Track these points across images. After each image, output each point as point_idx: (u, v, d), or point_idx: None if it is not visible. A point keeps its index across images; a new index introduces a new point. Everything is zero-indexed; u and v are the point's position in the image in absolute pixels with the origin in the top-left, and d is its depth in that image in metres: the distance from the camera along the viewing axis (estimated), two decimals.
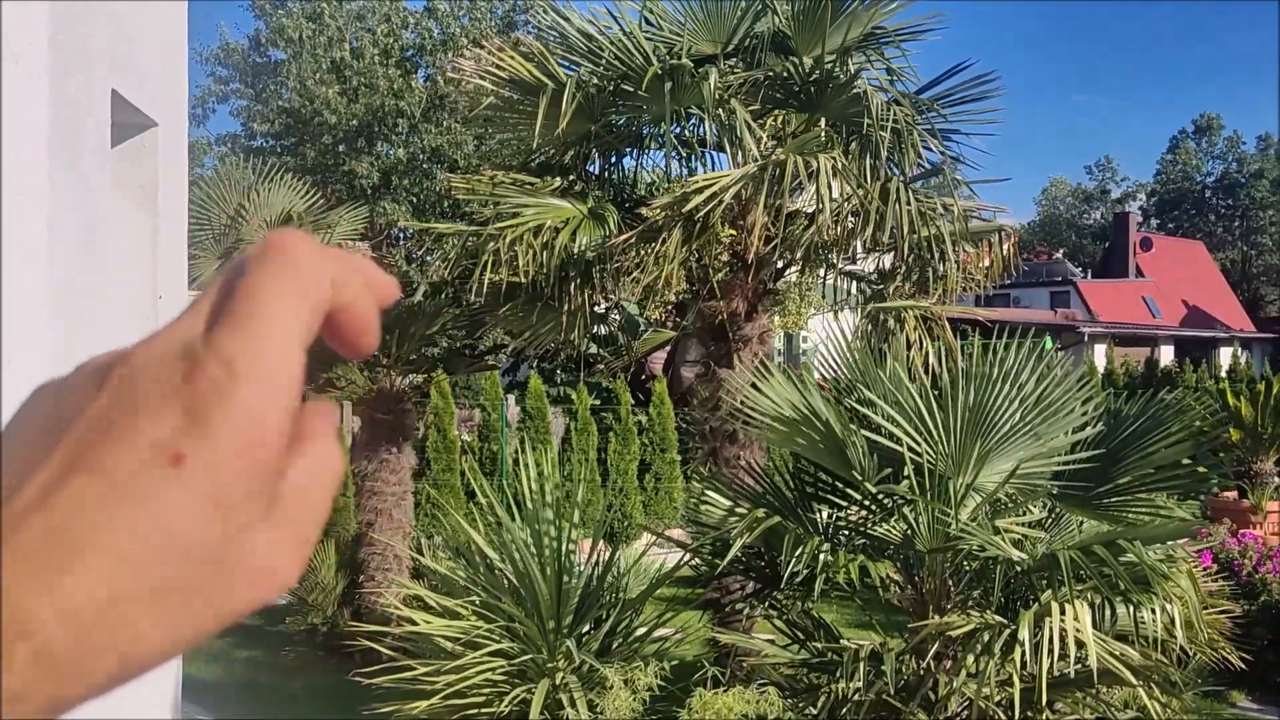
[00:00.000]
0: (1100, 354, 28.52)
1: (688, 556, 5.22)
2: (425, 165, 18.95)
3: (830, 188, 5.20)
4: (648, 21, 5.87)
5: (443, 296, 9.33)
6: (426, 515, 10.15)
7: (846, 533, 4.68)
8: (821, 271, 6.55)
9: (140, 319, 3.53)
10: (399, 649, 4.80)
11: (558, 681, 4.55)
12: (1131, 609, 4.24)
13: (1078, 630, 3.81)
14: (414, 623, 4.75)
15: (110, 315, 3.16)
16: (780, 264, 6.39)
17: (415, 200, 18.94)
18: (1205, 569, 5.88)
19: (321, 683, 7.06)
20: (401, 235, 19.52)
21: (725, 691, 4.56)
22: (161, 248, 3.69)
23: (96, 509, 0.29)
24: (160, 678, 3.68)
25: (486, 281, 5.56)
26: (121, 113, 3.30)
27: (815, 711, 4.29)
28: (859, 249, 6.34)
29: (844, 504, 4.74)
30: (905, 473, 4.31)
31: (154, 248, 3.65)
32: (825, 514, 4.82)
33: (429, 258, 15.75)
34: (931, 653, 4.22)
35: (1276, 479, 8.91)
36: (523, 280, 5.65)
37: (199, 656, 7.44)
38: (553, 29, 5.96)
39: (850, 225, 5.64)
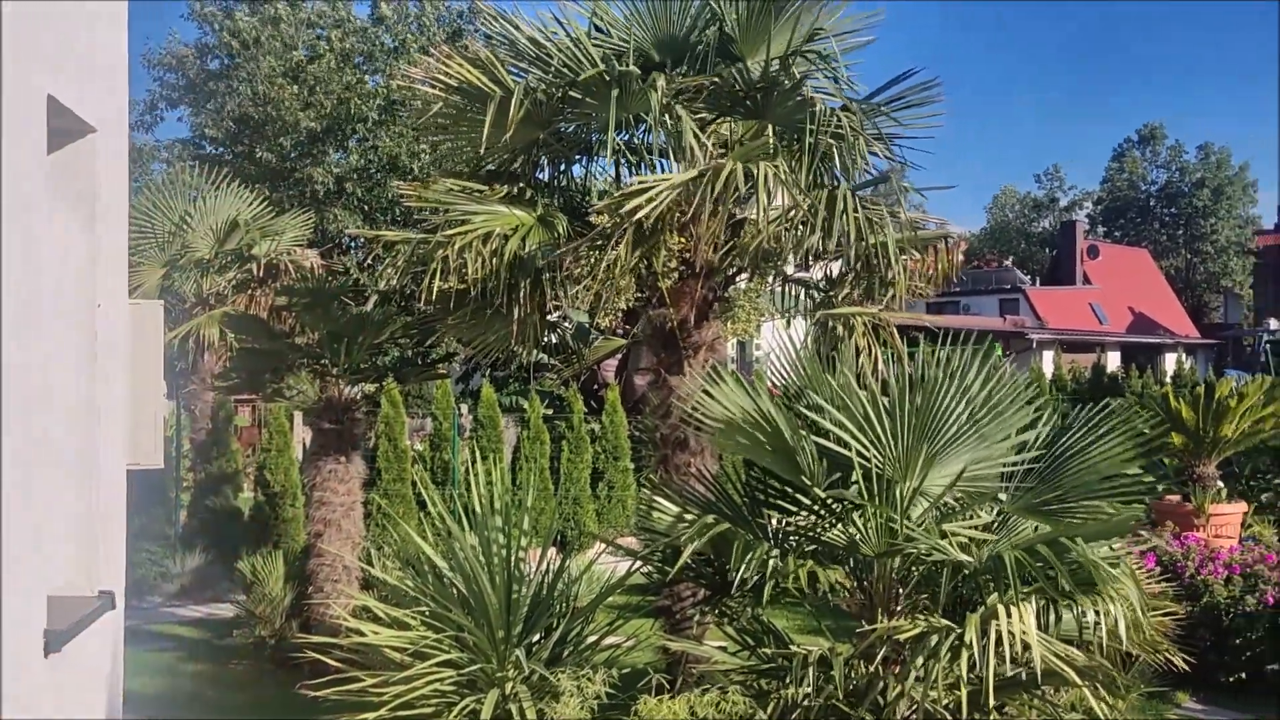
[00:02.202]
0: (1048, 360, 28.96)
1: (637, 564, 5.21)
2: (378, 173, 18.80)
3: (775, 195, 5.22)
4: (596, 28, 5.87)
5: (393, 305, 9.25)
6: (377, 525, 10.04)
7: (796, 538, 4.70)
8: (771, 279, 6.58)
9: (79, 328, 3.46)
10: (348, 660, 4.74)
11: (507, 691, 4.52)
12: (1077, 611, 4.31)
13: (1023, 632, 3.86)
14: (362, 634, 4.70)
15: (48, 324, 3.09)
16: (730, 271, 6.42)
17: (367, 208, 18.78)
18: (1149, 571, 5.98)
19: (269, 696, 6.95)
20: (352, 243, 19.34)
21: (672, 698, 4.55)
22: (101, 255, 3.62)
23: None
24: (102, 692, 3.60)
25: (436, 289, 5.52)
26: (59, 118, 3.24)
27: (765, 717, 4.30)
28: (809, 256, 6.38)
29: (794, 509, 4.76)
30: (854, 477, 4.34)
31: (93, 256, 3.58)
32: (775, 520, 4.84)
33: (379, 265, 15.64)
34: (880, 657, 4.24)
35: (1219, 482, 9.08)
36: (472, 288, 5.62)
37: (143, 670, 7.30)
38: (501, 36, 5.94)
39: (799, 233, 5.67)
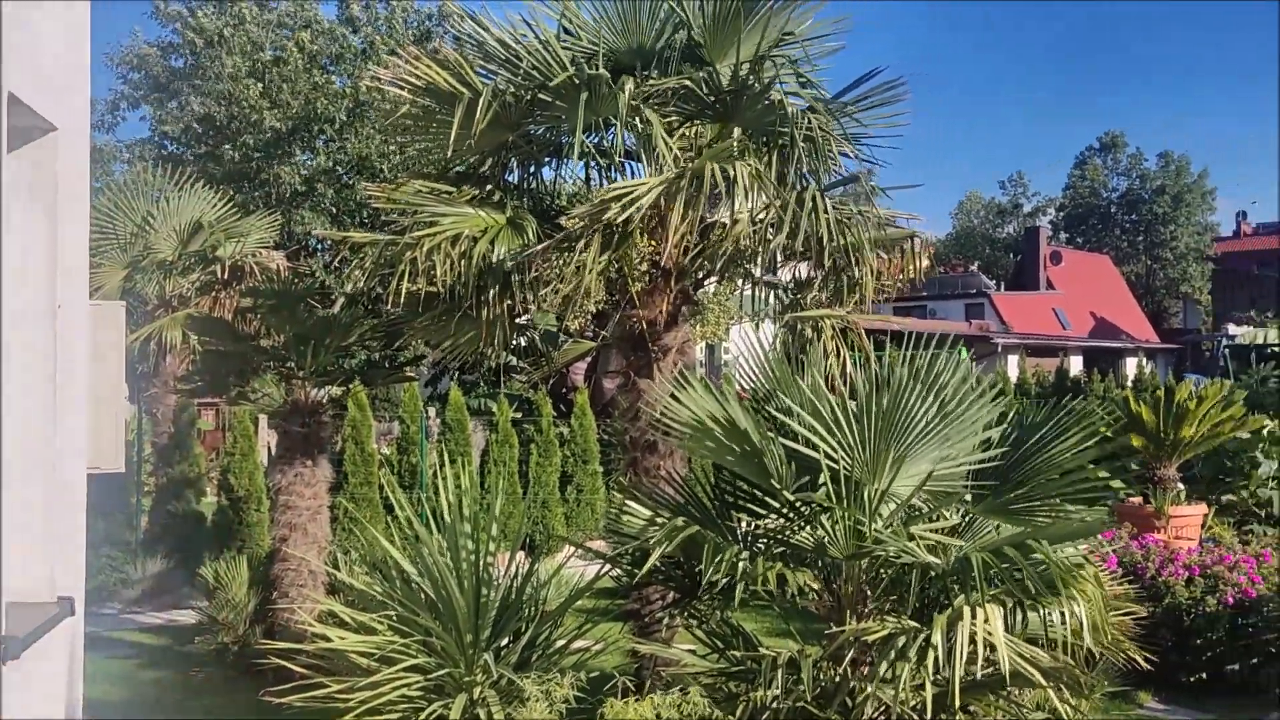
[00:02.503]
0: (1013, 364, 29.26)
1: (607, 567, 5.21)
2: (347, 174, 18.66)
3: (748, 197, 5.23)
4: (565, 31, 5.86)
5: (360, 307, 9.19)
6: (344, 530, 9.96)
7: (765, 541, 4.71)
8: (740, 281, 6.60)
9: (39, 330, 3.40)
10: (313, 667, 4.69)
11: (475, 696, 4.49)
12: (1042, 612, 4.35)
13: (989, 633, 3.89)
14: (328, 639, 4.65)
15: (6, 325, 3.03)
16: (700, 274, 6.43)
17: (335, 210, 18.63)
18: (1110, 572, 6.05)
19: (232, 703, 6.87)
20: (319, 245, 19.19)
21: (639, 700, 4.54)
22: (62, 256, 3.56)
23: None
24: (61, 700, 3.54)
25: (404, 291, 5.49)
26: (18, 116, 3.18)
27: (734, 719, 4.30)
28: (777, 259, 6.40)
29: (763, 512, 4.78)
30: (822, 480, 4.35)
31: (53, 256, 3.52)
32: (745, 523, 4.84)
33: (346, 268, 15.51)
34: (848, 659, 4.26)
35: (1179, 484, 9.20)
36: (440, 290, 5.59)
37: (103, 678, 7.19)
38: (470, 37, 5.92)
39: (769, 234, 5.69)
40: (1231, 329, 37.64)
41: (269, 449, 13.90)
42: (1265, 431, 9.86)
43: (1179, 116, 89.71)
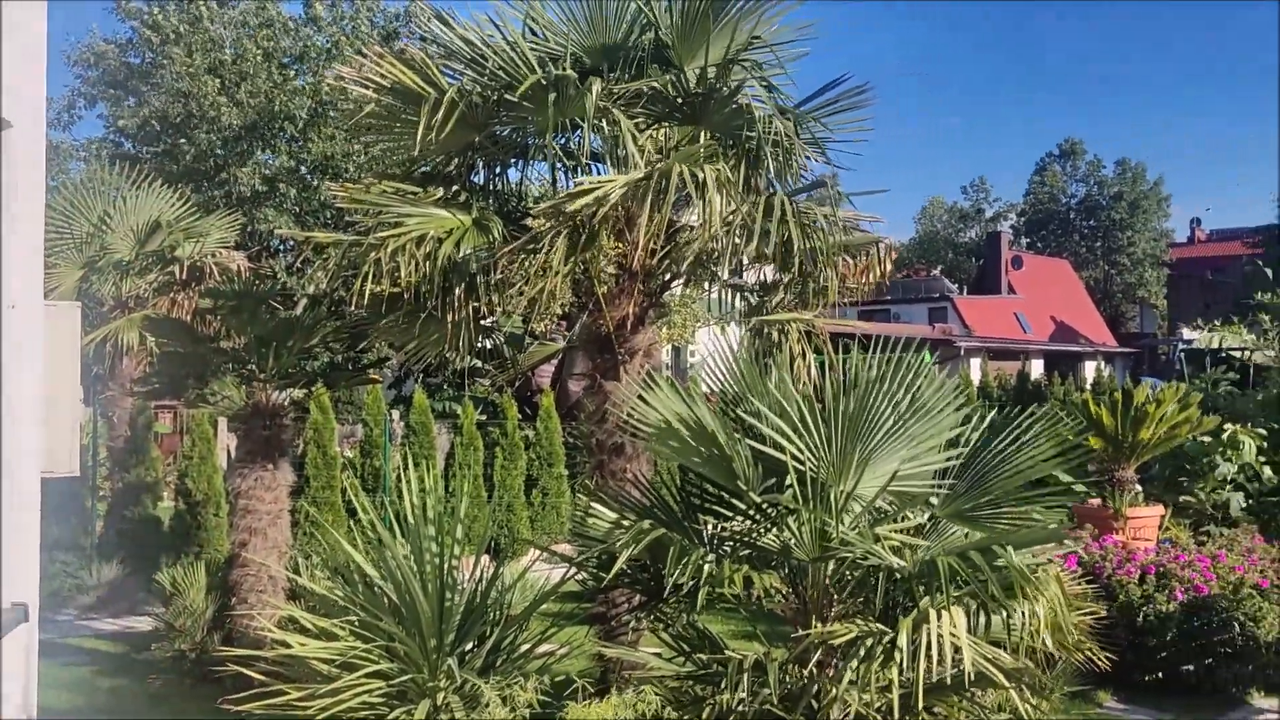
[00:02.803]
0: (976, 367, 29.57)
1: (572, 570, 5.18)
2: (309, 174, 18.47)
3: (716, 199, 5.23)
4: (532, 32, 5.83)
5: (323, 308, 9.11)
6: (305, 534, 9.85)
7: (732, 543, 4.71)
8: (707, 284, 6.60)
9: None
10: (272, 674, 4.62)
11: (439, 701, 4.45)
12: (1005, 615, 4.38)
13: (954, 635, 3.91)
14: (288, 645, 4.58)
15: None
16: (667, 277, 6.42)
17: (298, 210, 18.43)
18: (1070, 572, 6.10)
19: (190, 711, 6.76)
20: (281, 246, 18.97)
21: (601, 701, 4.52)
22: (15, 256, 3.48)
23: None
24: (15, 708, 3.45)
25: (368, 292, 5.44)
26: None
27: None
28: (744, 262, 6.41)
29: (729, 514, 4.77)
30: (788, 481, 4.35)
31: (7, 255, 3.44)
32: (711, 525, 4.84)
33: (309, 269, 15.36)
34: (814, 661, 4.26)
35: (1137, 486, 9.32)
36: (405, 291, 5.54)
37: (58, 685, 7.05)
38: (436, 38, 5.87)
39: (736, 237, 5.69)
40: (1186, 333, 38.26)
41: (228, 453, 13.73)
42: (1225, 436, 10.01)
43: (1137, 123, 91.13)
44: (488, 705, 4.33)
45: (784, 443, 4.46)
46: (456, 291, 5.64)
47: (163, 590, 7.83)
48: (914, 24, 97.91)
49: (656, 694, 4.53)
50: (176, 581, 7.71)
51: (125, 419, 11.08)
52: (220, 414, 8.58)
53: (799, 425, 4.52)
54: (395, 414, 14.34)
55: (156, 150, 18.70)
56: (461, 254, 5.53)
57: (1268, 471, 10.18)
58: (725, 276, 6.57)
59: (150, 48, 18.54)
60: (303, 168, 18.49)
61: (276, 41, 18.39)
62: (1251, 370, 14.91)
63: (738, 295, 6.71)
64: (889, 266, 6.80)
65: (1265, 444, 10.40)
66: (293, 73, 18.29)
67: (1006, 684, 4.12)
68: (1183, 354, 29.69)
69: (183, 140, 18.04)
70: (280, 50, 18.45)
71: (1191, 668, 7.04)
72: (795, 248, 5.59)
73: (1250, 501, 10.11)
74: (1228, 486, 9.99)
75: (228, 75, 17.91)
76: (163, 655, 7.47)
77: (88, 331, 9.63)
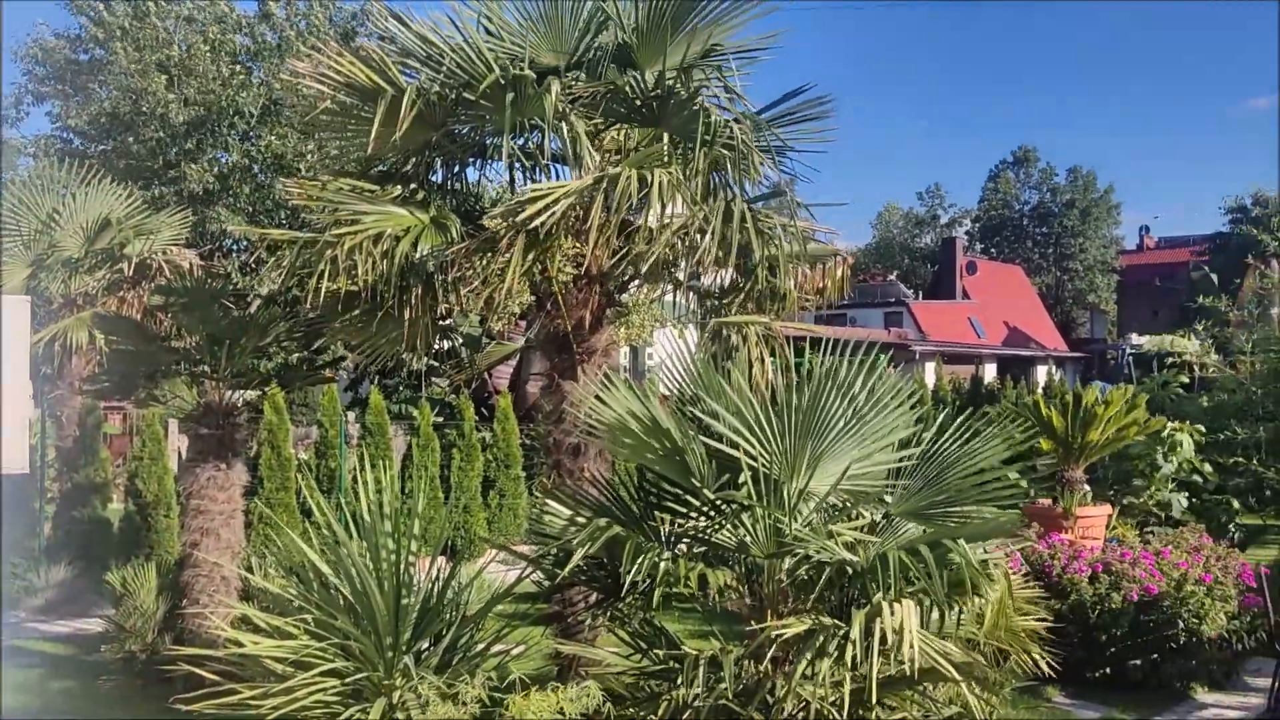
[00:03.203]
0: (930, 371, 29.89)
1: (529, 568, 5.19)
2: (262, 172, 18.27)
3: (666, 203, 5.26)
4: (489, 32, 5.83)
5: (277, 308, 9.03)
6: (259, 535, 9.74)
7: (688, 541, 4.74)
8: (665, 286, 6.63)
9: None
10: (225, 673, 4.58)
11: (395, 700, 4.43)
12: (956, 611, 4.45)
13: (906, 630, 3.96)
14: (241, 644, 4.55)
15: None
16: (625, 278, 6.44)
17: (251, 208, 18.22)
18: (1018, 571, 6.21)
19: (141, 711, 6.67)
20: (235, 245, 18.75)
21: (544, 692, 4.53)
22: None
23: None
24: None
25: (324, 291, 5.40)
26: None
27: (656, 718, 4.32)
28: (702, 265, 6.45)
29: (685, 511, 4.81)
30: (742, 479, 4.40)
31: None
32: (668, 523, 4.87)
33: (263, 267, 15.21)
34: (769, 656, 4.31)
35: (1085, 486, 9.49)
36: (362, 290, 5.51)
37: (7, 687, 6.93)
38: (393, 35, 5.85)
39: (694, 241, 5.72)
40: (1134, 338, 39.00)
41: (179, 454, 13.53)
42: (1164, 434, 10.21)
43: (1086, 131, 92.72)
44: (426, 705, 4.33)
45: (738, 440, 4.50)
46: (414, 290, 5.62)
47: (113, 591, 7.72)
48: (867, 33, 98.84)
49: (600, 689, 4.55)
50: (127, 582, 7.60)
51: (74, 419, 10.90)
52: (171, 414, 8.46)
53: (753, 424, 4.57)
54: (351, 415, 14.23)
55: (106, 147, 18.42)
56: (419, 253, 5.51)
57: (1208, 468, 10.42)
58: (683, 279, 6.61)
59: (98, 43, 18.27)
60: (255, 165, 18.28)
61: (227, 36, 18.18)
62: (1197, 375, 15.26)
63: (696, 298, 6.74)
64: (846, 273, 6.87)
65: (1205, 440, 10.65)
66: (239, 68, 18.06)
67: (956, 678, 4.19)
68: (1131, 359, 30.29)
69: (130, 138, 17.78)
70: (231, 46, 18.23)
71: (1139, 663, 7.19)
72: (754, 254, 5.63)
73: (1193, 500, 10.34)
74: (1170, 485, 10.21)
75: (175, 71, 17.67)
76: (113, 656, 7.37)
77: (36, 330, 9.46)
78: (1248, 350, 12.69)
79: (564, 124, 5.42)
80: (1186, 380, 14.63)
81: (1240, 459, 10.80)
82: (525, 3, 5.82)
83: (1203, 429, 10.64)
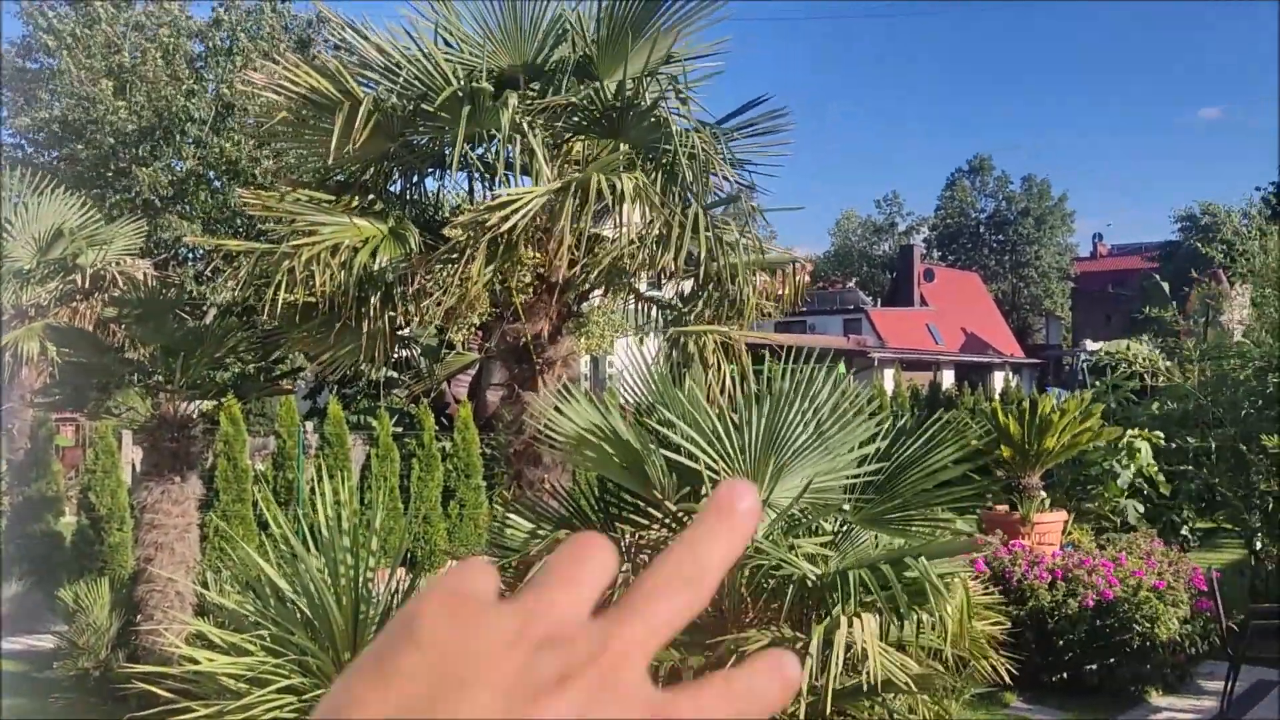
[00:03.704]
0: (889, 378, 30.15)
1: None
2: (217, 179, 18.04)
3: (633, 210, 5.27)
4: (447, 43, 5.81)
5: (233, 318, 8.91)
6: (215, 549, 9.61)
7: (649, 553, 4.74)
8: (624, 296, 6.63)
9: None
10: (180, 691, 4.50)
11: None
12: (915, 620, 4.48)
13: (864, 642, 3.99)
14: (196, 661, 4.48)
15: None
16: (585, 287, 6.44)
17: (206, 216, 17.99)
18: (978, 576, 6.28)
19: None
20: (190, 253, 18.50)
21: None
22: None
23: None
24: None
25: (281, 301, 5.35)
26: None
27: None
28: (662, 274, 6.46)
29: (646, 523, 4.80)
30: (704, 491, 4.40)
31: None
32: (629, 534, 4.86)
33: (219, 277, 15.02)
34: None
35: (1042, 492, 9.62)
36: (320, 301, 5.46)
37: None
38: (350, 45, 5.81)
39: (654, 250, 5.73)
40: (1089, 344, 39.60)
41: (134, 466, 13.33)
42: (1122, 442, 10.39)
43: (1043, 140, 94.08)
44: None
45: (697, 452, 4.50)
46: (372, 301, 5.58)
47: (65, 607, 7.58)
48: (829, 40, 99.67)
49: None
50: (79, 598, 7.47)
51: (25, 431, 10.70)
52: (125, 426, 8.34)
53: (712, 435, 4.58)
54: (309, 425, 14.09)
55: (58, 154, 18.12)
56: (378, 264, 5.47)
57: (1161, 477, 10.59)
58: (643, 289, 6.62)
59: (48, 52, 17.99)
60: (210, 172, 18.06)
61: (177, 40, 17.94)
62: (1148, 384, 15.53)
63: (655, 308, 6.75)
64: (805, 279, 6.91)
65: (1162, 444, 10.83)
66: (187, 72, 17.83)
67: (913, 690, 4.22)
68: (1085, 365, 30.75)
69: (81, 145, 17.51)
70: (183, 50, 18.00)
71: (1094, 667, 7.29)
72: (713, 263, 5.65)
73: (1148, 506, 10.51)
74: (1124, 494, 10.37)
75: (127, 77, 17.42)
76: (66, 674, 7.23)
77: None
78: (1195, 358, 12.92)
79: (519, 136, 5.41)
80: (1137, 386, 14.89)
81: (1190, 467, 11.01)
82: (486, 14, 5.81)
83: (1161, 434, 10.82)
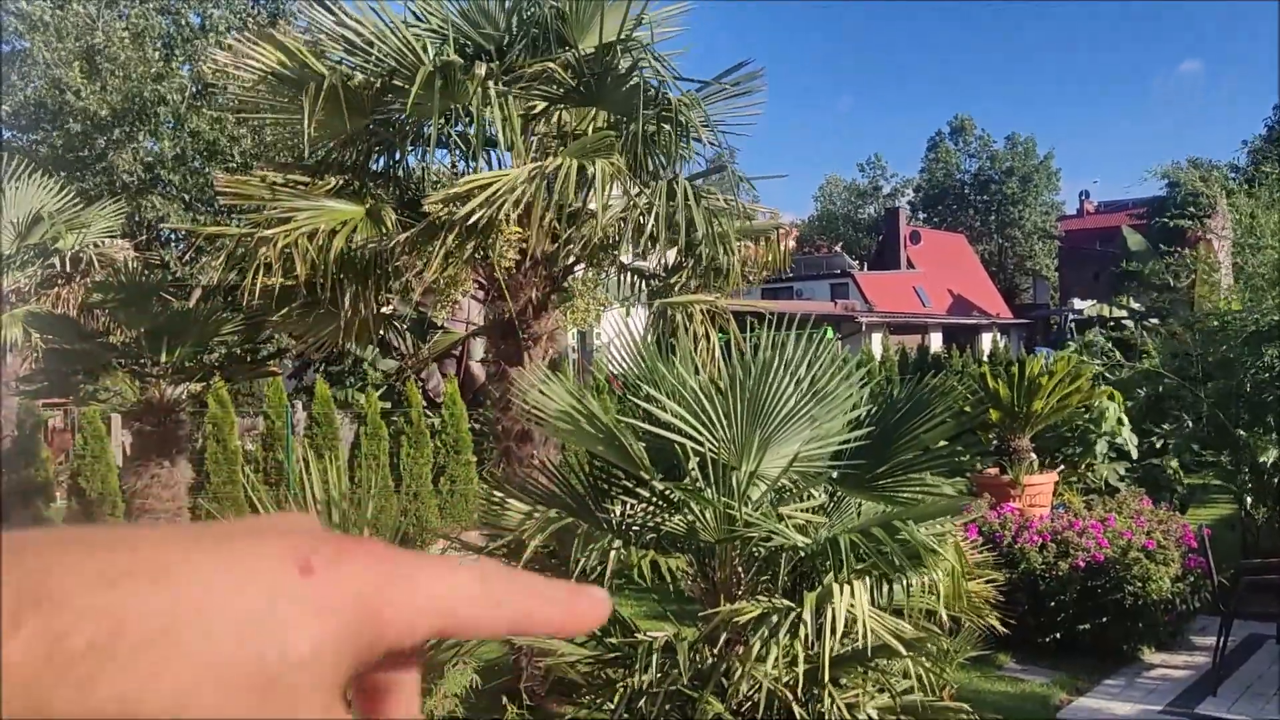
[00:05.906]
0: (877, 342, 30.19)
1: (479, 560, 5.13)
2: (196, 160, 17.85)
3: (606, 193, 5.22)
4: (416, 16, 5.71)
5: (218, 300, 8.85)
6: None
7: (639, 528, 4.73)
8: (609, 268, 6.59)
9: None
10: None
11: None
12: (905, 585, 4.49)
13: (856, 607, 3.99)
14: None
15: None
16: (569, 261, 6.39)
17: (186, 196, 17.82)
18: (970, 540, 6.29)
19: None
20: (173, 235, 18.36)
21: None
22: None
23: None
24: None
25: (260, 285, 5.29)
26: None
27: (613, 706, 4.31)
28: (648, 245, 6.42)
29: (636, 499, 4.79)
30: (691, 465, 4.39)
31: None
32: (619, 510, 4.85)
33: (202, 259, 14.90)
34: (723, 640, 4.32)
35: (1031, 454, 9.64)
36: (299, 285, 5.41)
37: None
38: (320, 23, 5.71)
39: (640, 222, 5.69)
40: (1077, 303, 39.71)
41: (124, 449, 13.27)
42: (1095, 404, 10.33)
43: (1022, 101, 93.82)
44: None
45: (684, 426, 4.48)
46: (351, 284, 5.53)
47: None
48: (809, 7, 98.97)
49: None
50: None
51: (11, 419, 10.63)
52: (112, 411, 8.29)
53: (697, 408, 4.55)
54: (298, 405, 14.04)
55: (35, 138, 17.90)
56: (354, 245, 5.42)
57: (1134, 439, 10.58)
58: (628, 260, 6.57)
59: (20, 35, 17.75)
60: (189, 153, 17.87)
61: (148, 21, 17.69)
62: (1136, 340, 15.56)
63: (640, 278, 6.72)
64: (790, 244, 6.89)
65: (1138, 408, 10.84)
66: (157, 54, 17.60)
67: (906, 654, 4.23)
68: (1073, 324, 30.83)
69: (54, 129, 17.31)
70: (154, 29, 17.76)
71: (1087, 627, 7.33)
72: (697, 232, 5.61)
73: (1134, 465, 10.55)
74: (1106, 456, 10.39)
75: (99, 59, 17.20)
76: None
77: None
78: (1188, 324, 12.84)
79: (490, 109, 5.34)
80: (1114, 336, 14.86)
81: (1176, 423, 11.04)
82: None
83: (1123, 396, 10.78)
